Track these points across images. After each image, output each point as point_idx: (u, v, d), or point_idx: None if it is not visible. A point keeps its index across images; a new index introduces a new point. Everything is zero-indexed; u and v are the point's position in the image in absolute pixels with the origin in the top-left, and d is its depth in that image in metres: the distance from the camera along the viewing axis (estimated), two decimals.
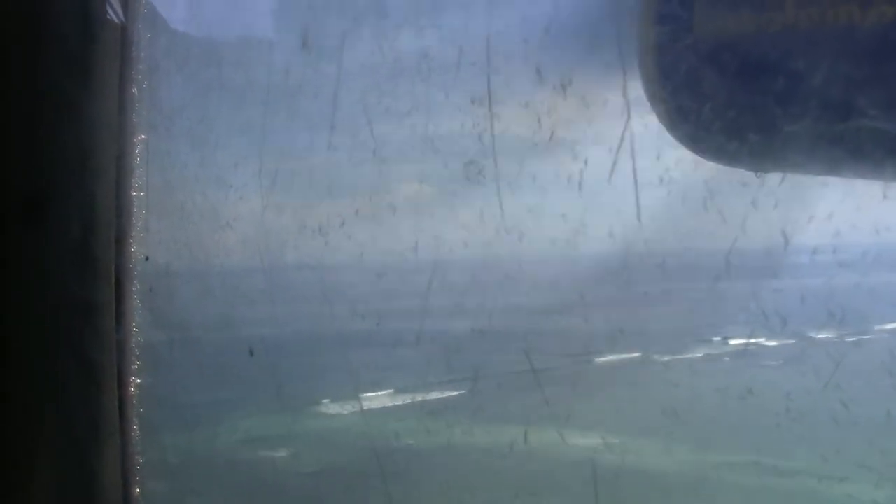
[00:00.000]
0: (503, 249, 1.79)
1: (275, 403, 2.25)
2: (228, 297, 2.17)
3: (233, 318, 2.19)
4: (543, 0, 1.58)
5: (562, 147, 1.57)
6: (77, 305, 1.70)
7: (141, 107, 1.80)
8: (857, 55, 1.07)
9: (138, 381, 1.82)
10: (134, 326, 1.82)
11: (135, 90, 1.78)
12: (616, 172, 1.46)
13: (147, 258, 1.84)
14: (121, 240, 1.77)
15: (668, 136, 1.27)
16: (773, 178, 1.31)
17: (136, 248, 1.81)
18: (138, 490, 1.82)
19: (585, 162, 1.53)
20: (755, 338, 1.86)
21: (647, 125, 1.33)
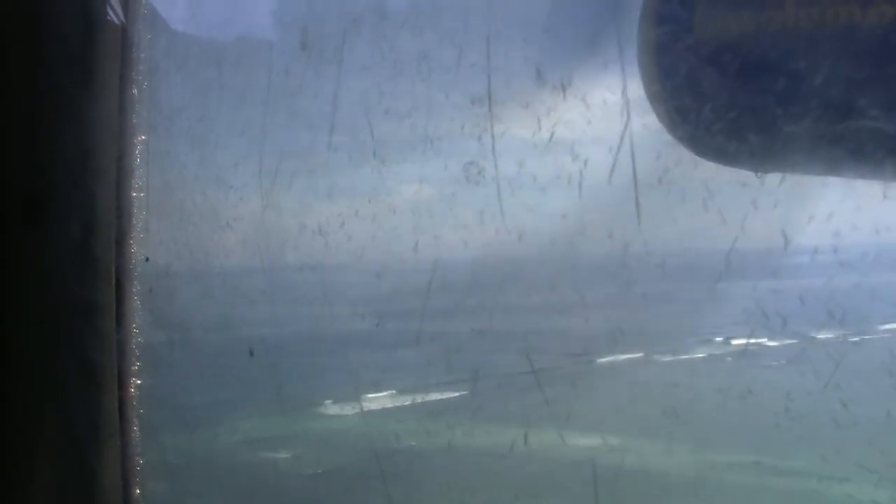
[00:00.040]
0: (503, 250, 1.79)
1: (275, 404, 2.25)
2: (228, 297, 2.17)
3: (233, 318, 2.19)
4: (543, 1, 1.58)
5: (562, 147, 1.57)
6: (77, 306, 1.70)
7: (141, 107, 1.80)
8: (857, 55, 1.08)
9: (138, 381, 1.82)
10: (134, 327, 1.82)
11: (135, 91, 1.78)
12: (616, 173, 1.46)
13: (147, 259, 1.84)
14: (121, 240, 1.77)
15: (667, 137, 1.27)
16: (773, 178, 1.31)
17: (137, 248, 1.81)
18: (138, 491, 1.82)
19: (585, 162, 1.53)
20: (755, 338, 1.86)
21: (647, 125, 1.33)
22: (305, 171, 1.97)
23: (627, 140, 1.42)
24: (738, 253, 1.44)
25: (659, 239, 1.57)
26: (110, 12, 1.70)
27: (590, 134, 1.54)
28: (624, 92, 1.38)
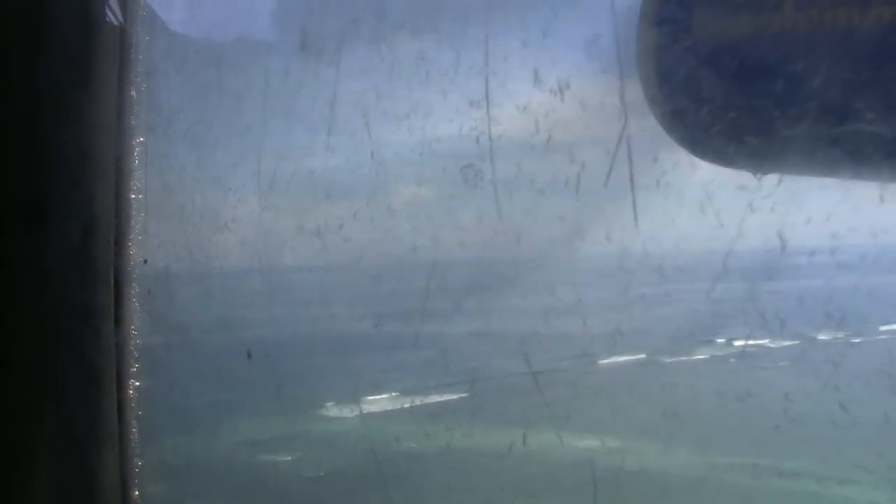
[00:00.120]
0: (501, 252, 1.80)
1: (274, 405, 2.25)
2: (227, 299, 2.17)
3: (232, 319, 2.19)
4: (541, 3, 1.58)
5: (559, 150, 1.57)
6: (76, 307, 1.70)
7: (140, 109, 1.80)
8: (855, 58, 1.08)
9: (137, 382, 1.82)
10: (133, 329, 1.82)
11: (133, 92, 1.78)
12: (613, 175, 1.46)
13: (146, 260, 1.84)
14: (120, 242, 1.77)
15: (665, 139, 1.27)
16: (771, 180, 1.31)
17: (135, 250, 1.81)
18: (137, 492, 1.82)
19: (583, 165, 1.53)
20: (754, 340, 1.86)
21: (645, 128, 1.33)
22: (304, 173, 1.97)
23: (625, 142, 1.42)
24: (736, 255, 1.44)
25: (657, 241, 1.57)
26: (109, 13, 1.70)
27: (587, 136, 1.54)
28: (622, 94, 1.39)
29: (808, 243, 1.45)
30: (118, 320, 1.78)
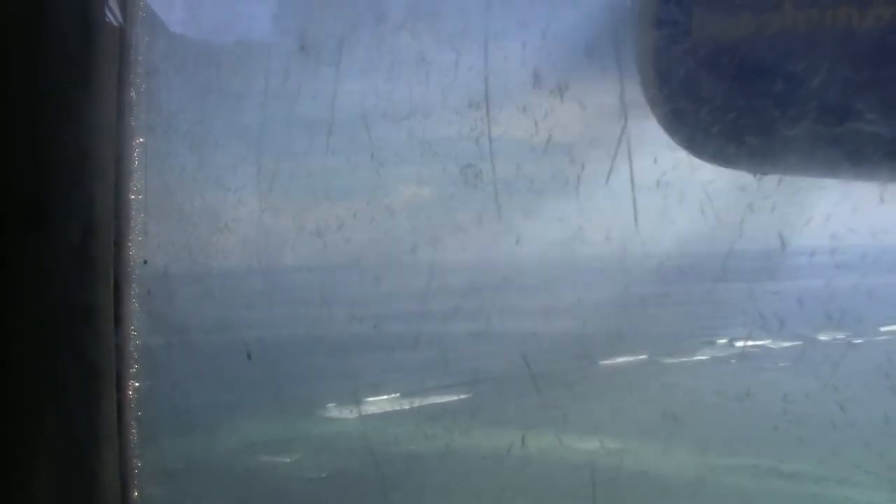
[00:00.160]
0: (500, 253, 1.80)
1: (273, 407, 2.25)
2: (227, 299, 2.17)
3: (231, 320, 2.19)
4: (541, 4, 1.58)
5: (559, 150, 1.57)
6: (76, 308, 1.70)
7: (139, 109, 1.80)
8: (855, 58, 1.08)
9: (137, 383, 1.82)
10: (132, 329, 1.82)
11: (133, 93, 1.78)
12: (613, 176, 1.46)
13: (146, 261, 1.84)
14: (119, 242, 1.77)
15: (665, 140, 1.27)
16: (771, 180, 1.31)
17: (135, 250, 1.81)
18: (136, 493, 1.82)
19: (583, 165, 1.53)
20: (753, 340, 1.86)
21: (645, 128, 1.33)
22: (304, 173, 1.97)
23: (625, 143, 1.42)
24: (736, 255, 1.44)
25: (657, 241, 1.57)
26: (109, 14, 1.70)
27: (587, 137, 1.54)
28: (621, 95, 1.39)
29: (807, 243, 1.45)
30: (118, 321, 1.78)
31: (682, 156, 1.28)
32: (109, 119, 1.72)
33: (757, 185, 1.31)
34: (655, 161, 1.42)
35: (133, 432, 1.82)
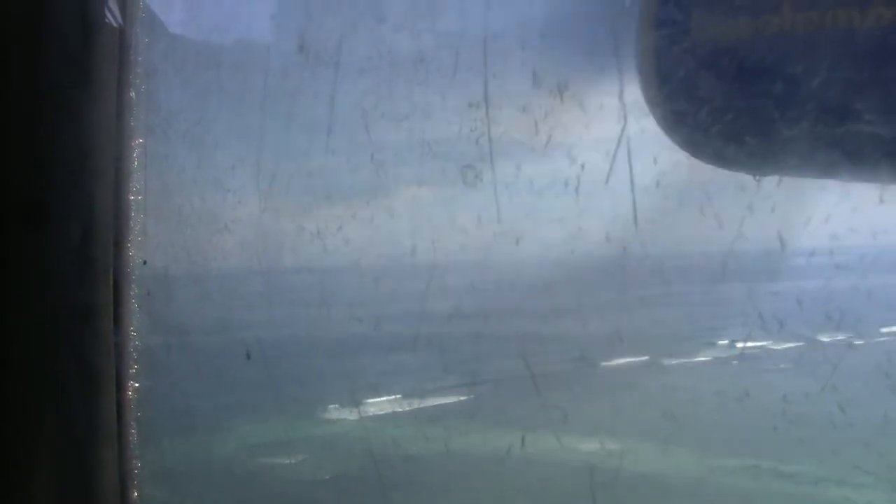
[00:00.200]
0: (500, 253, 1.80)
1: (273, 408, 2.25)
2: (226, 300, 2.17)
3: (231, 321, 2.19)
4: (540, 3, 1.58)
5: (559, 151, 1.57)
6: (75, 308, 1.70)
7: (139, 110, 1.80)
8: (854, 59, 1.08)
9: (136, 384, 1.82)
10: (132, 330, 1.82)
11: (133, 93, 1.78)
12: (613, 176, 1.46)
13: (145, 262, 1.84)
14: (119, 243, 1.77)
15: (664, 140, 1.27)
16: (771, 181, 1.31)
17: (135, 251, 1.81)
18: (136, 493, 1.82)
19: (582, 166, 1.53)
20: (753, 341, 1.86)
21: (645, 129, 1.33)
22: (303, 174, 1.97)
23: (625, 143, 1.42)
24: (736, 256, 1.44)
25: (656, 242, 1.57)
26: (108, 14, 1.70)
27: (587, 137, 1.54)
28: (621, 95, 1.39)
29: (807, 244, 1.45)
30: (117, 321, 1.78)
31: (682, 156, 1.28)
32: (109, 119, 1.72)
33: (756, 185, 1.31)
34: (655, 161, 1.42)
35: (132, 432, 1.82)
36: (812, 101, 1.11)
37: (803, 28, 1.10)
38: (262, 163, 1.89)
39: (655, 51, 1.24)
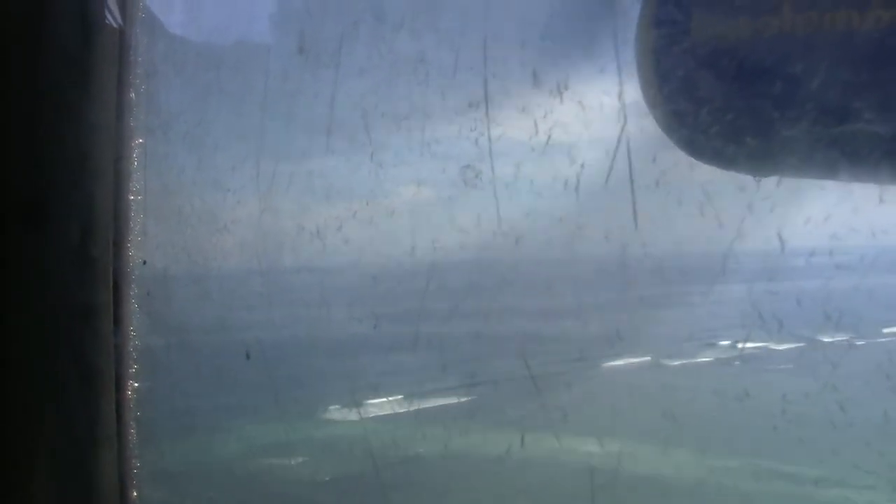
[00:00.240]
0: (500, 252, 1.80)
1: (272, 408, 2.25)
2: (226, 300, 2.17)
3: (231, 321, 2.19)
4: (540, 4, 1.58)
5: (558, 150, 1.57)
6: (75, 308, 1.70)
7: (139, 110, 1.80)
8: (853, 59, 1.08)
9: (136, 384, 1.82)
10: (132, 330, 1.82)
11: (133, 94, 1.78)
12: (612, 176, 1.46)
13: (145, 262, 1.84)
14: (119, 243, 1.77)
15: (664, 140, 1.27)
16: (770, 181, 1.31)
17: (134, 251, 1.81)
18: (135, 493, 1.82)
19: (582, 165, 1.53)
20: (752, 340, 1.86)
21: (644, 128, 1.33)
22: (303, 174, 1.97)
23: (624, 143, 1.42)
24: (735, 256, 1.44)
25: (656, 242, 1.57)
26: (108, 15, 1.70)
27: (587, 137, 1.54)
28: (621, 95, 1.39)
29: (807, 244, 1.45)
30: (117, 321, 1.78)
31: (682, 156, 1.28)
32: (109, 120, 1.72)
33: (756, 185, 1.31)
34: (654, 161, 1.42)
35: (132, 432, 1.82)
36: (811, 102, 1.11)
37: (803, 29, 1.10)
38: (262, 163, 1.89)
39: (655, 51, 1.24)
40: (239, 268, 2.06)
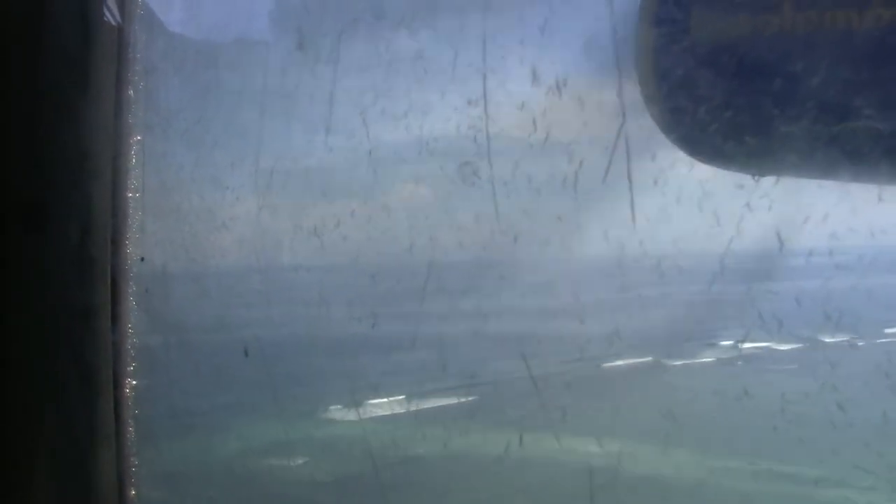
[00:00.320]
0: (498, 251, 1.79)
1: (271, 407, 2.24)
2: (224, 298, 2.17)
3: (229, 319, 2.18)
4: (539, 1, 1.58)
5: (557, 148, 1.57)
6: (74, 307, 1.70)
7: (137, 108, 1.80)
8: (853, 58, 1.08)
9: (134, 382, 1.82)
10: (130, 328, 1.82)
11: (131, 91, 1.78)
12: (611, 174, 1.46)
13: (143, 259, 1.84)
14: (117, 241, 1.77)
15: (663, 138, 1.27)
16: (769, 180, 1.31)
17: (133, 249, 1.81)
18: (134, 492, 1.82)
19: (580, 163, 1.53)
20: (751, 340, 1.86)
21: (643, 127, 1.33)
22: (301, 172, 1.97)
23: (623, 141, 1.42)
24: (734, 255, 1.44)
25: (654, 241, 1.57)
26: (107, 13, 1.70)
27: (585, 135, 1.54)
28: (620, 93, 1.39)
29: (806, 243, 1.45)
30: (115, 319, 1.78)
31: (680, 154, 1.28)
32: (107, 118, 1.72)
33: (755, 184, 1.31)
34: (653, 159, 1.42)
35: (130, 431, 1.82)
36: (811, 101, 1.11)
37: (802, 27, 1.10)
38: (261, 160, 1.89)
39: (654, 48, 1.24)
40: (237, 265, 2.06)
